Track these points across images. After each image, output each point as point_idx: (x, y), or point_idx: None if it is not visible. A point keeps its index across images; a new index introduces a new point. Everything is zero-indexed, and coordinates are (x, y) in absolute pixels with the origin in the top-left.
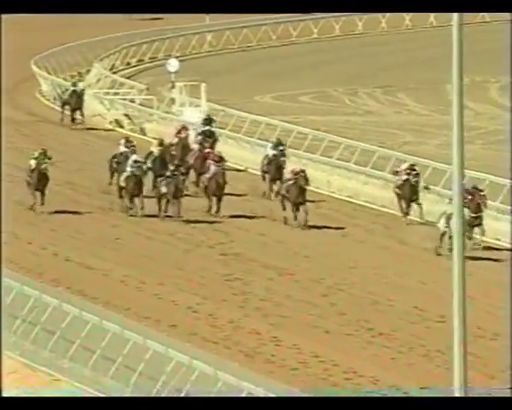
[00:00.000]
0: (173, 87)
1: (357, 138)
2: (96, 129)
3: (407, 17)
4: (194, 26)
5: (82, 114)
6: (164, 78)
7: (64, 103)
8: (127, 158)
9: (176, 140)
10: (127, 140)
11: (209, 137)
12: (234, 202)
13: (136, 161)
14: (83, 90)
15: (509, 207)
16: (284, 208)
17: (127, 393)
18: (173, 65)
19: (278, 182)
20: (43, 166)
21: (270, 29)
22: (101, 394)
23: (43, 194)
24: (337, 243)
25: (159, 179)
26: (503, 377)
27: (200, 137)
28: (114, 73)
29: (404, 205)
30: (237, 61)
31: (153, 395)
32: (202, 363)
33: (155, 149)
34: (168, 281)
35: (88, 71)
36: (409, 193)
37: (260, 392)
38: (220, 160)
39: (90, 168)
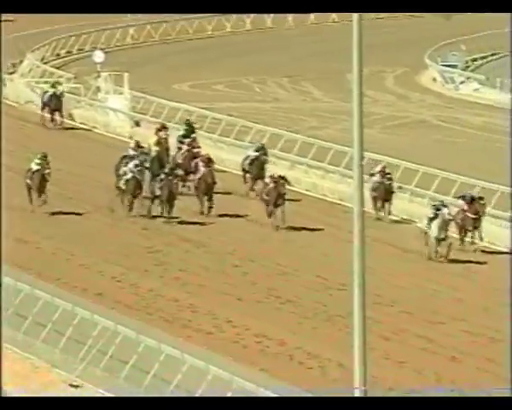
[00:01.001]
0: (99, 76)
1: (267, 123)
2: (75, 128)
3: (311, 14)
4: (118, 20)
5: (61, 115)
6: (90, 68)
7: (44, 105)
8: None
9: (155, 139)
10: (137, 144)
11: (194, 141)
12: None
13: (137, 165)
14: (62, 93)
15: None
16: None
17: (56, 354)
18: (99, 56)
19: (259, 181)
20: (46, 171)
21: (188, 24)
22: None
23: (43, 194)
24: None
25: (153, 181)
26: (398, 339)
27: (187, 140)
28: (45, 63)
29: (378, 205)
30: (157, 53)
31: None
32: (126, 328)
33: (153, 150)
34: (95, 253)
35: (21, 62)
36: (383, 194)
37: (177, 354)
38: (209, 161)
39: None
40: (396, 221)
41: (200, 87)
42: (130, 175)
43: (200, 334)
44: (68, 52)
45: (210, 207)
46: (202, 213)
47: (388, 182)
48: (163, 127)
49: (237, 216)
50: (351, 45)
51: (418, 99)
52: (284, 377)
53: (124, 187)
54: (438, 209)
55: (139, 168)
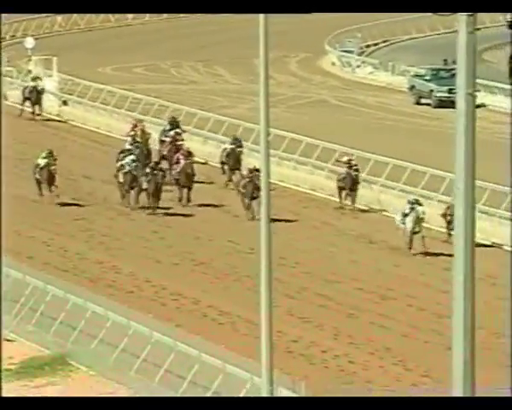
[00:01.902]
0: (30, 61)
1: (182, 103)
2: (54, 120)
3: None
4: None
5: (41, 109)
6: (22, 53)
7: (25, 99)
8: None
9: (132, 133)
10: (134, 139)
11: (178, 135)
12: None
13: (134, 160)
14: (42, 88)
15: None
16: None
17: None
18: (30, 42)
19: (237, 172)
20: (52, 167)
21: (110, 13)
22: None
23: (50, 188)
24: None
25: (140, 174)
26: (301, 297)
27: (172, 133)
28: None
29: (343, 195)
30: (83, 40)
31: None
32: (54, 287)
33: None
34: (26, 221)
35: None
36: (350, 185)
37: (102, 311)
38: (189, 154)
39: None
40: (299, 191)
41: (122, 70)
42: (127, 169)
43: (121, 293)
44: (1, 38)
45: (189, 198)
46: (181, 200)
47: (355, 173)
48: (138, 121)
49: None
50: (254, 33)
51: (319, 81)
52: (198, 332)
53: (122, 180)
54: (413, 205)
55: (136, 163)
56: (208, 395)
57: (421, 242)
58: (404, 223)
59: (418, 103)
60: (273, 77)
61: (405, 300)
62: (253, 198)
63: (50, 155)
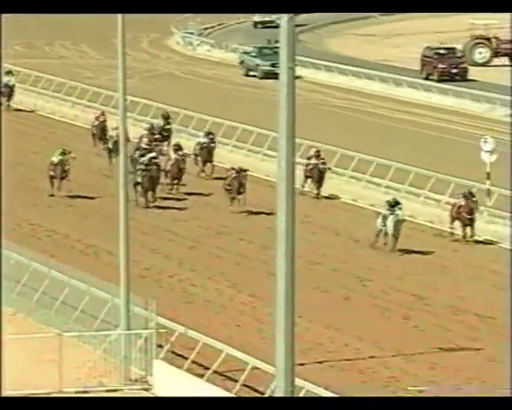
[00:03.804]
0: None
1: (55, 74)
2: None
3: None
4: None
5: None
6: None
7: None
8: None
9: (96, 123)
10: (150, 139)
11: (165, 131)
12: None
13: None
14: (14, 85)
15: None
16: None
17: None
18: None
19: (209, 164)
20: (66, 166)
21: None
22: None
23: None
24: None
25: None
26: (153, 233)
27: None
28: None
29: (312, 185)
30: None
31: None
32: None
33: (115, 133)
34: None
35: None
36: (317, 176)
37: None
38: (179, 148)
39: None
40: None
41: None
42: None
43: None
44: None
45: (177, 188)
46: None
47: (322, 165)
48: (102, 114)
49: None
50: (113, 17)
51: (166, 57)
52: (68, 262)
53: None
54: (391, 207)
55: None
56: (76, 313)
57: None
58: (384, 225)
59: (247, 75)
60: (129, 53)
61: (237, 235)
62: (240, 193)
63: (64, 152)
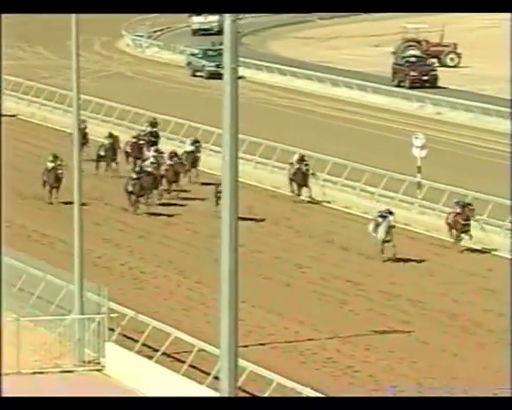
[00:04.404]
0: None
1: (14, 75)
2: None
3: None
4: None
5: None
6: None
7: None
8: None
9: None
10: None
11: (155, 137)
12: None
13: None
14: None
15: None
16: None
17: None
18: None
19: (194, 170)
20: (59, 171)
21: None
22: None
23: (57, 190)
24: None
25: (127, 179)
26: (105, 223)
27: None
28: None
29: (295, 188)
30: None
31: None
32: None
33: (106, 141)
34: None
35: None
36: (300, 179)
37: None
38: (175, 155)
39: None
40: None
41: None
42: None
43: None
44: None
45: (173, 190)
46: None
47: (305, 168)
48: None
49: None
50: (67, 20)
51: (117, 58)
52: (24, 250)
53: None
54: (383, 216)
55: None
56: (33, 298)
57: None
58: (376, 232)
59: (194, 75)
60: (82, 55)
61: (185, 226)
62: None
63: (57, 158)
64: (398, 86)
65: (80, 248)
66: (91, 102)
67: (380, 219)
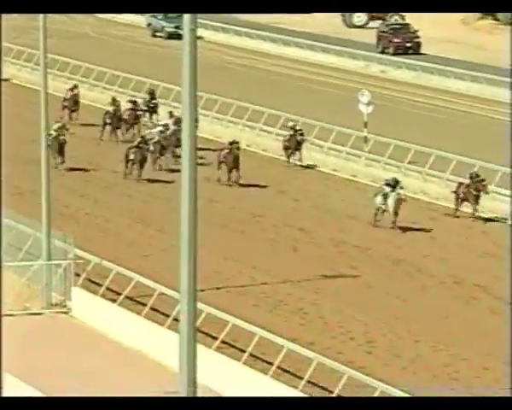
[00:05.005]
0: None
1: None
2: None
3: None
4: None
5: None
6: None
7: None
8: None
9: (69, 95)
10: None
11: (153, 106)
12: None
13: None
14: None
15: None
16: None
17: None
18: None
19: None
20: (61, 137)
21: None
22: None
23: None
24: None
25: (128, 147)
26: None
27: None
28: None
29: (288, 153)
30: None
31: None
32: None
33: (110, 108)
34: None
35: None
36: (294, 144)
37: None
38: (178, 120)
39: None
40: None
41: None
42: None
43: None
44: None
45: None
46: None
47: (300, 137)
48: (75, 86)
49: None
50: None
51: (81, 20)
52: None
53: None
54: (391, 187)
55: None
56: (3, 246)
57: None
58: (384, 204)
59: (154, 36)
60: (48, 16)
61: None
62: (233, 168)
63: (62, 127)
64: (382, 53)
65: (47, 198)
66: (58, 60)
67: (387, 189)
